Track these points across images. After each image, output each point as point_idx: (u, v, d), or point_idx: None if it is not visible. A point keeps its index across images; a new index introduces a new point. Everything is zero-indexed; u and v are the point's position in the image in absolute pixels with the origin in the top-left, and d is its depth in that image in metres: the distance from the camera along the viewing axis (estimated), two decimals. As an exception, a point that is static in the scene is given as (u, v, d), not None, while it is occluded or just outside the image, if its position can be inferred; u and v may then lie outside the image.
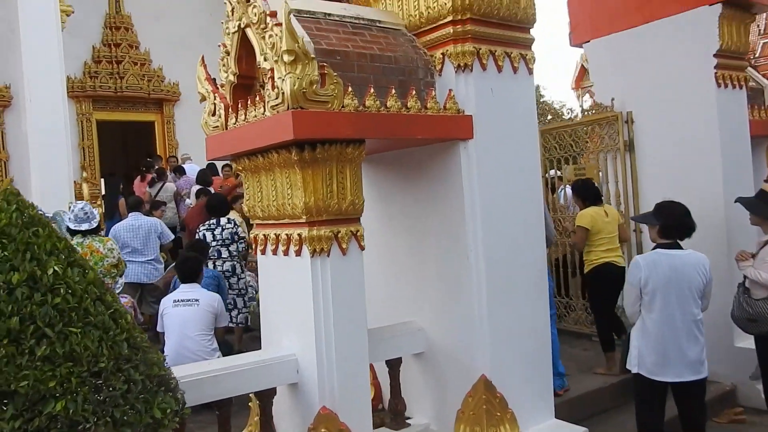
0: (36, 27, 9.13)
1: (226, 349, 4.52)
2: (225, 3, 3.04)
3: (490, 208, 3.23)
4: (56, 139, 8.96)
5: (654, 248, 3.48)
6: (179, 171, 10.12)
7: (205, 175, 9.40)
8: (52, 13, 9.31)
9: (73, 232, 4.97)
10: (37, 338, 1.68)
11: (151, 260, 6.41)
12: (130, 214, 6.76)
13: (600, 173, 5.98)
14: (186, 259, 4.48)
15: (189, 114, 13.02)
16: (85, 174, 10.38)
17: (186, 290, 4.32)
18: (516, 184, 3.36)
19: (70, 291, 1.76)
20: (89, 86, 12.02)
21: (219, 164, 11.33)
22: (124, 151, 14.11)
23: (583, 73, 16.01)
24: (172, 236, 6.94)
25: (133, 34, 12.75)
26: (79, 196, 9.02)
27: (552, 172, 6.56)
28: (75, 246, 4.02)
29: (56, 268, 1.77)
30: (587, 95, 16.55)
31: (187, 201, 9.28)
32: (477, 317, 3.23)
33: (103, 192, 10.56)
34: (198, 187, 8.72)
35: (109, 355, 1.77)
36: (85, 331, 1.73)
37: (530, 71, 3.42)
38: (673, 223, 3.41)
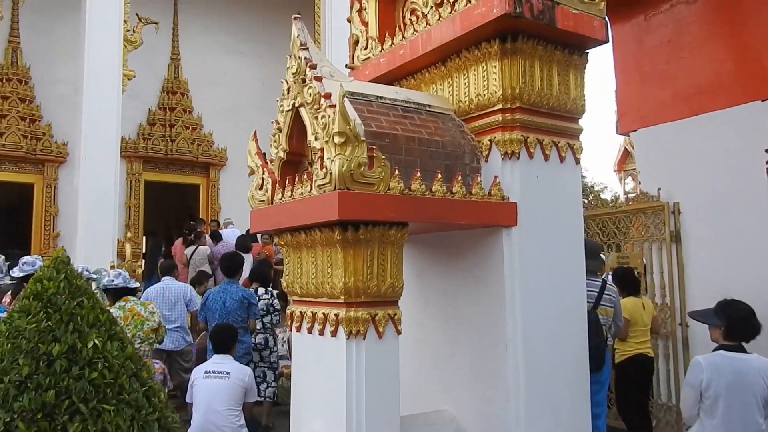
0: (99, 89, 9.63)
1: (253, 426, 4.43)
2: (282, 82, 3.13)
3: (531, 298, 3.16)
4: (105, 197, 9.28)
5: (715, 349, 3.34)
6: (216, 237, 10.26)
7: (245, 241, 9.51)
8: (116, 76, 9.81)
9: (116, 295, 5.03)
10: (71, 414, 1.66)
11: (178, 327, 6.42)
12: (162, 278, 6.82)
13: (644, 263, 5.86)
14: (220, 329, 4.48)
15: (234, 179, 13.40)
16: (129, 233, 10.60)
17: (218, 361, 4.30)
18: (559, 273, 3.29)
19: (107, 365, 1.76)
20: (141, 147, 12.50)
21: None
22: (167, 211, 14.44)
23: (626, 156, 16.02)
24: (199, 305, 6.97)
25: (187, 99, 13.29)
26: (121, 254, 9.21)
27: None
28: (118, 309, 4.05)
29: (96, 341, 1.77)
30: (630, 178, 16.49)
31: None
32: (513, 410, 3.10)
33: (144, 251, 10.76)
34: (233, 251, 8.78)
35: (139, 436, 1.73)
36: (118, 408, 1.72)
37: (577, 161, 3.41)
38: (738, 325, 3.27)
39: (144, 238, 12.19)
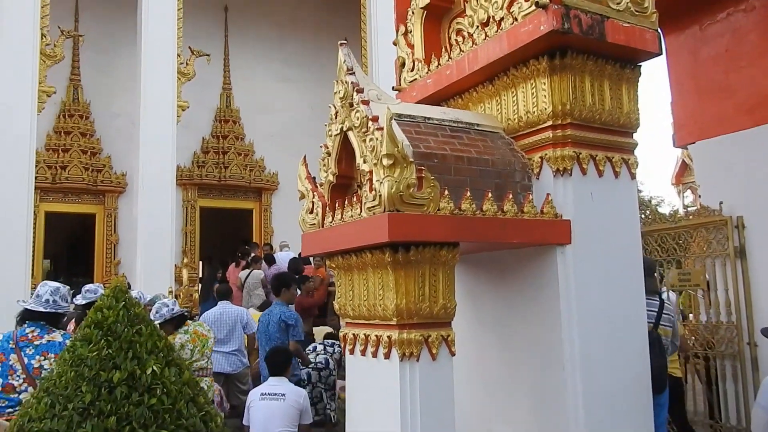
0: (154, 121, 9.99)
1: (310, 448, 4.44)
2: (329, 106, 3.17)
3: (588, 318, 3.08)
4: (163, 225, 9.57)
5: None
6: (269, 260, 10.40)
7: (297, 264, 9.61)
8: (170, 108, 10.15)
9: (178, 322, 5.18)
10: (131, 439, 1.69)
11: (235, 350, 6.50)
12: (218, 303, 6.92)
13: (707, 280, 5.64)
14: (274, 352, 4.52)
15: (285, 202, 13.62)
16: (185, 259, 10.86)
17: (273, 384, 4.34)
18: (617, 292, 3.20)
19: (165, 391, 1.79)
20: (196, 175, 12.84)
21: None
22: (222, 236, 14.74)
23: (684, 169, 15.56)
24: (255, 328, 7.04)
25: (239, 127, 13.63)
26: (178, 280, 9.44)
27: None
28: (184, 334, 4.14)
29: (155, 367, 1.81)
30: (688, 192, 15.99)
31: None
32: (573, 434, 3.01)
33: (201, 275, 10.98)
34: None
35: (197, 460, 1.75)
36: (176, 434, 1.74)
37: (632, 176, 3.33)
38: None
39: (200, 263, 12.47)
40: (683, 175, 15.97)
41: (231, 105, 13.71)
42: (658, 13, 3.26)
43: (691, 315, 6.09)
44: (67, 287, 3.73)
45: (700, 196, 5.83)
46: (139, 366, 1.81)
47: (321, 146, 3.26)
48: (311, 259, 10.34)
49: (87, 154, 12.16)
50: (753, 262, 5.21)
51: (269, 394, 4.29)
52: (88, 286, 5.85)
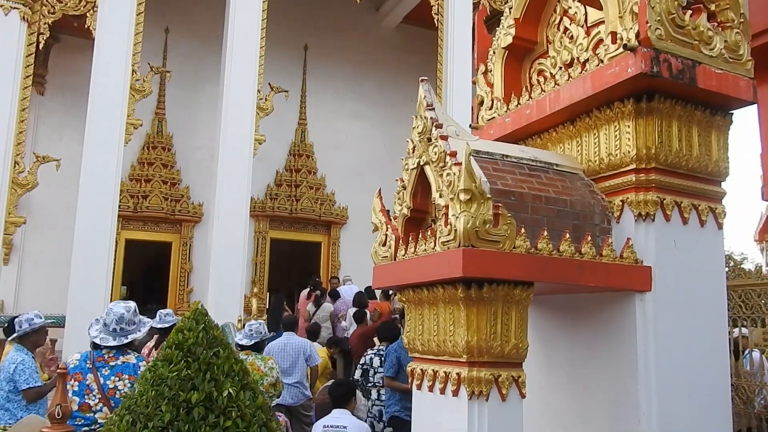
0: (232, 154, 10.33)
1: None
2: (407, 141, 3.20)
3: (667, 370, 2.94)
4: (235, 255, 9.81)
5: None
6: (334, 295, 10.46)
7: (362, 297, 9.63)
8: (248, 141, 10.49)
9: (239, 348, 5.24)
10: (208, 460, 1.71)
11: (297, 383, 6.51)
12: (284, 334, 6.99)
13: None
14: (339, 384, 4.52)
15: (354, 237, 13.75)
16: (255, 289, 11.06)
17: (336, 416, 4.33)
18: (699, 345, 3.05)
19: (240, 414, 1.80)
20: (269, 207, 13.16)
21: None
22: (290, 268, 14.98)
23: (768, 225, 14.82)
24: (320, 360, 7.05)
25: (312, 161, 13.93)
26: (247, 309, 9.61)
27: (737, 331, 5.92)
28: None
29: (231, 390, 1.83)
30: (773, 249, 15.19)
31: (343, 323, 9.50)
32: (649, 493, 2.85)
33: (267, 306, 11.13)
34: (354, 309, 8.92)
35: (268, 485, 1.75)
36: (250, 456, 1.75)
37: (719, 226, 3.19)
38: None
39: (267, 294, 12.68)
40: (767, 231, 15.22)
41: (305, 140, 14.07)
42: (753, 60, 3.16)
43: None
44: (132, 308, 3.77)
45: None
46: (216, 388, 1.84)
47: (397, 180, 3.29)
48: (378, 293, 10.36)
49: (167, 184, 12.67)
50: None
51: (332, 426, 4.28)
52: (166, 311, 6.04)
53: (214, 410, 1.80)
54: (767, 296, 5.45)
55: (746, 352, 5.85)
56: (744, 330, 5.82)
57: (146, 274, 14.31)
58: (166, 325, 5.79)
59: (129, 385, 3.50)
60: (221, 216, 10.21)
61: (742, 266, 6.07)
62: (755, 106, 3.29)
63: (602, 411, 3.09)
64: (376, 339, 6.88)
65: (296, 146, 14.00)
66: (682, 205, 3.08)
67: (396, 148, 14.63)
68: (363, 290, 10.42)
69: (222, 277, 9.91)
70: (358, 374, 6.06)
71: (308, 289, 10.62)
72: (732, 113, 3.27)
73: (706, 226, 3.14)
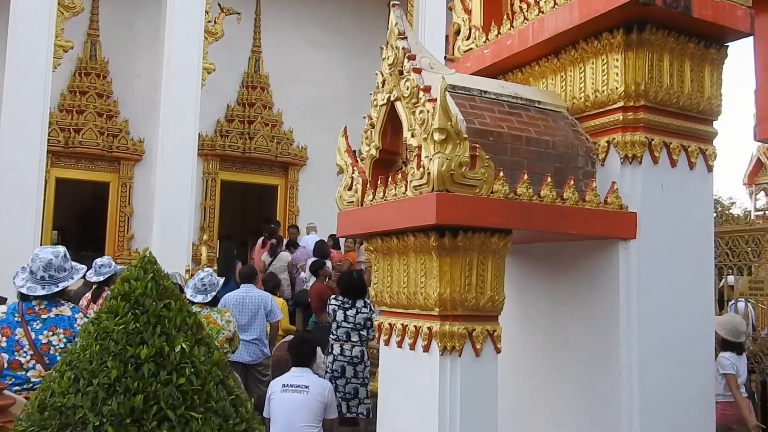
0: (177, 83, 10.07)
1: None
2: (376, 74, 3.17)
3: (650, 322, 3.06)
4: (182, 198, 9.68)
5: None
6: (292, 245, 10.45)
7: (324, 247, 9.66)
8: (195, 70, 10.22)
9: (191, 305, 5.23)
10: (159, 421, 1.74)
11: (255, 339, 6.55)
12: (241, 286, 6.98)
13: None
14: (301, 341, 4.58)
15: (313, 180, 13.67)
16: (205, 236, 10.99)
17: (297, 374, 4.39)
18: (684, 296, 3.17)
19: (194, 371, 1.83)
20: (219, 145, 12.94)
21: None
22: (243, 213, 14.88)
23: (758, 168, 15.20)
24: (281, 315, 7.09)
25: (268, 95, 13.68)
26: (196, 259, 9.57)
27: (723, 281, 6.15)
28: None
29: (184, 345, 1.85)
30: (762, 193, 15.65)
31: (302, 274, 9.55)
32: (626, 448, 3.00)
33: (217, 256, 11.08)
34: (313, 258, 8.95)
35: (227, 447, 1.80)
36: (206, 417, 1.79)
37: (709, 168, 3.28)
38: None
39: (217, 241, 12.63)
40: (757, 174, 15.60)
41: (260, 71, 13.75)
42: (751, -13, 3.18)
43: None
44: (62, 252, 3.65)
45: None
46: (167, 343, 1.85)
47: (364, 117, 3.27)
48: (342, 241, 10.40)
49: (103, 117, 12.31)
50: (837, 273, 5.11)
51: (292, 385, 4.36)
52: (102, 260, 5.97)
53: (166, 366, 1.81)
54: (755, 243, 5.66)
55: (731, 302, 6.11)
56: (730, 278, 6.06)
57: (81, 217, 14.03)
58: (102, 278, 5.74)
59: (65, 340, 3.47)
60: (166, 154, 10.03)
61: (730, 211, 6.26)
62: (750, 37, 3.33)
63: (580, 365, 3.21)
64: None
65: (249, 77, 13.69)
66: (671, 146, 3.15)
67: (361, 82, 14.41)
68: (325, 239, 10.46)
69: (167, 222, 9.81)
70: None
71: (263, 237, 10.59)
72: (727, 46, 3.32)
73: (696, 169, 3.22)
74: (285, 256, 9.94)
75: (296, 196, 13.80)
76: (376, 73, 3.21)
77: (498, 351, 2.86)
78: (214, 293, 5.28)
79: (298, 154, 13.63)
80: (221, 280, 5.45)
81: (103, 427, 1.71)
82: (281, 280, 9.21)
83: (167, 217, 9.78)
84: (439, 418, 2.74)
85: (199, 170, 12.33)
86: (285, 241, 10.78)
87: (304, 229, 12.05)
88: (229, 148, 13.03)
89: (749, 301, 6.15)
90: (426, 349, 2.83)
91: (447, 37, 4.06)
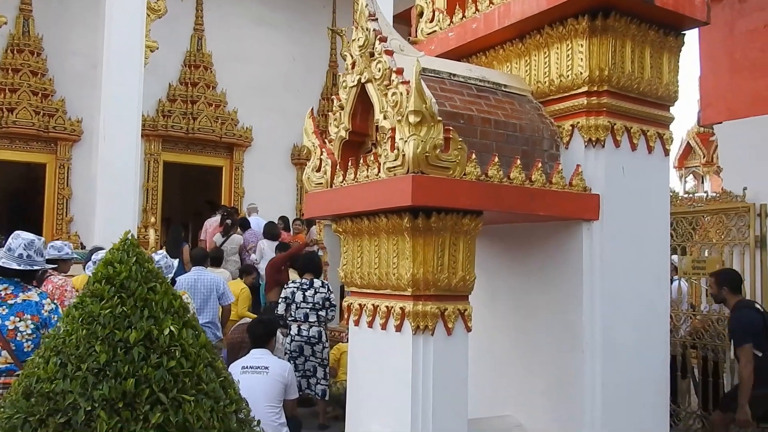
0: (119, 62, 9.75)
1: (295, 427, 4.51)
2: (342, 55, 3.17)
3: (612, 300, 3.18)
4: (125, 180, 9.41)
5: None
6: (243, 225, 10.36)
7: (273, 229, 9.60)
8: (137, 48, 9.92)
9: None
10: (152, 404, 1.73)
11: (208, 323, 6.50)
12: (193, 268, 6.90)
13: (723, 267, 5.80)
14: (259, 322, 4.56)
15: (259, 161, 13.52)
16: (152, 218, 10.75)
17: (256, 356, 4.38)
18: (643, 274, 3.30)
19: (184, 354, 1.82)
20: (161, 125, 12.65)
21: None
22: (186, 195, 14.60)
23: (688, 151, 15.82)
24: (233, 298, 7.04)
25: (211, 74, 13.41)
26: (143, 243, 9.34)
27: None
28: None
29: (172, 328, 1.83)
30: (691, 176, 16.30)
31: (252, 257, 9.48)
32: (588, 422, 3.13)
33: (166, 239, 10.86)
34: (266, 241, 8.91)
35: (219, 428, 1.80)
36: (197, 399, 1.78)
37: (666, 152, 3.42)
38: None
39: (161, 224, 12.38)
40: (687, 158, 16.21)
41: (203, 49, 13.46)
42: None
43: (704, 305, 6.26)
44: (43, 239, 3.65)
45: (721, 179, 5.97)
46: (155, 326, 1.83)
47: (334, 98, 3.26)
48: (291, 223, 10.35)
49: (38, 95, 11.86)
50: (773, 253, 5.38)
51: (251, 367, 4.34)
52: (53, 243, 5.80)
53: (156, 350, 1.80)
54: (698, 224, 5.90)
55: (674, 280, 6.37)
56: (674, 257, 6.31)
57: (15, 199, 13.51)
58: (51, 258, 5.57)
59: (32, 326, 3.39)
60: (107, 135, 9.72)
61: (676, 193, 6.52)
62: (706, 26, 3.46)
63: (546, 343, 3.31)
64: (294, 272, 6.93)
65: (192, 56, 13.38)
66: (632, 131, 3.26)
67: (308, 62, 14.31)
68: (274, 221, 10.39)
69: (109, 205, 9.54)
70: (281, 308, 6.14)
71: (219, 217, 10.41)
72: (684, 34, 3.44)
73: (654, 153, 3.35)
74: (237, 238, 9.84)
75: (241, 177, 13.62)
76: (342, 55, 3.21)
77: (469, 330, 2.93)
78: (171, 275, 5.20)
79: (243, 135, 13.43)
80: (176, 262, 5.37)
81: (94, 412, 1.69)
82: (230, 261, 9.13)
83: (110, 200, 9.50)
84: (411, 396, 2.78)
85: (141, 151, 12.01)
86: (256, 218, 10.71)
87: (245, 211, 11.97)
88: (171, 129, 12.75)
89: (690, 280, 6.42)
90: (398, 328, 2.87)
91: (409, 20, 4.06)
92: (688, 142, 15.82)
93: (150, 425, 1.69)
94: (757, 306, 4.95)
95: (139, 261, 1.96)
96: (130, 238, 2.04)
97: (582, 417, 3.13)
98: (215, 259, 7.71)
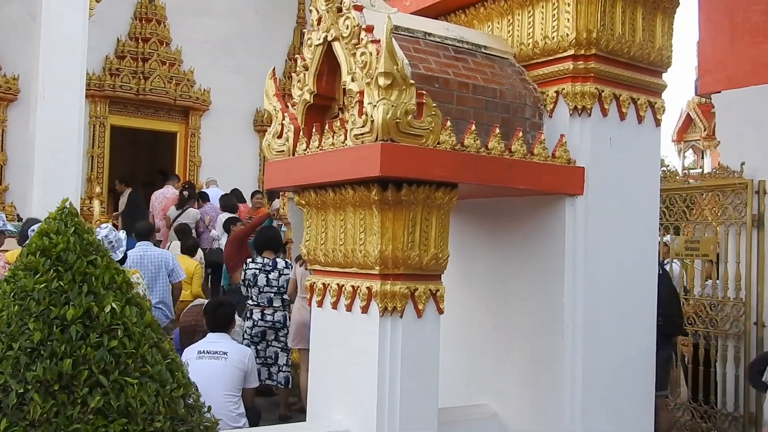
0: (60, 13, 9.56)
1: (254, 417, 4.55)
2: (311, 10, 3.15)
3: (595, 281, 3.24)
4: (67, 145, 9.28)
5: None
6: (201, 198, 10.30)
7: (230, 200, 9.56)
8: (81, -1, 9.72)
9: None
10: (91, 387, 1.74)
11: (159, 302, 6.49)
12: (137, 244, 6.86)
13: (718, 249, 5.91)
14: (219, 305, 4.57)
15: (218, 127, 13.40)
16: (98, 188, 10.64)
17: (214, 340, 4.40)
18: (629, 253, 3.37)
19: (127, 333, 1.83)
20: (108, 85, 12.47)
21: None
22: (134, 164, 14.45)
23: (688, 123, 15.97)
24: (184, 275, 7.03)
25: (164, 29, 13.24)
26: (87, 216, 9.25)
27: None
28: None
29: (114, 305, 1.84)
30: (690, 150, 16.48)
31: (213, 232, 9.45)
32: (568, 409, 3.21)
33: (122, 208, 10.69)
34: (226, 215, 8.87)
35: (165, 414, 1.82)
36: (141, 382, 1.80)
37: (657, 122, 3.47)
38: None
39: (107, 194, 12.27)
40: (686, 131, 16.33)
41: (155, 0, 13.28)
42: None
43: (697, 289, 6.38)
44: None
45: (719, 154, 6.06)
46: (95, 302, 1.84)
47: (297, 57, 3.26)
48: (251, 197, 10.30)
49: (-32, 49, 11.67)
50: (772, 233, 5.49)
51: (208, 352, 4.35)
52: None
53: (96, 328, 1.81)
54: (692, 202, 6.00)
55: (665, 262, 6.48)
56: (666, 238, 6.42)
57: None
58: None
59: None
60: (47, 94, 9.55)
61: (669, 168, 6.61)
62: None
63: (524, 326, 3.37)
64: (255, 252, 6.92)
65: (143, 8, 13.17)
66: (621, 99, 3.30)
67: (273, 17, 14.15)
68: (231, 192, 10.35)
69: (49, 173, 9.40)
70: (243, 291, 6.16)
71: (169, 188, 10.34)
72: (680, -6, 3.49)
73: (644, 123, 3.40)
74: (193, 213, 9.78)
75: (198, 144, 13.51)
76: (311, 9, 3.19)
77: (441, 312, 2.97)
78: (123, 249, 5.17)
79: (200, 97, 13.30)
80: (124, 235, 5.33)
81: (27, 395, 1.70)
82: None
83: (49, 168, 9.37)
84: (378, 384, 2.82)
85: (85, 114, 11.85)
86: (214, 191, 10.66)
87: (204, 184, 11.90)
88: (120, 89, 12.58)
89: (684, 262, 6.54)
90: (364, 310, 2.90)
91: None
92: (688, 114, 15.91)
93: (89, 409, 1.71)
94: None
95: (77, 232, 1.95)
96: (68, 206, 2.03)
97: (562, 404, 3.20)
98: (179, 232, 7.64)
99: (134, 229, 7.23)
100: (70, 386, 1.74)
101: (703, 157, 15.90)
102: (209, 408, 2.15)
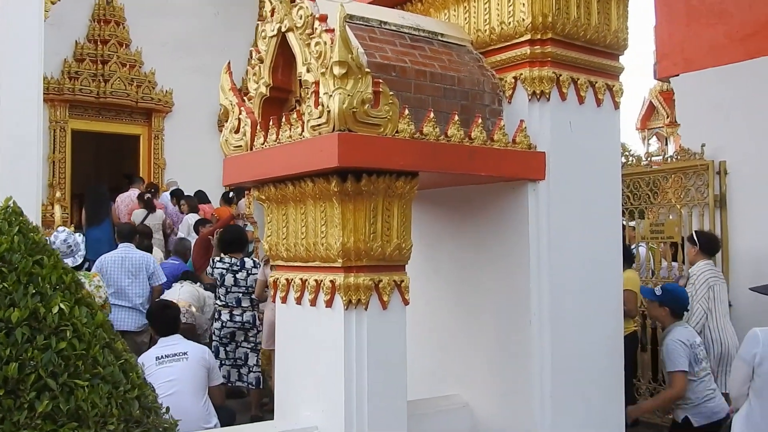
0: (15, 15, 9.35)
1: (228, 418, 4.49)
2: (265, 1, 3.10)
3: (560, 266, 3.24)
4: (26, 151, 9.06)
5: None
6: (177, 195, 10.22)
7: (192, 201, 9.49)
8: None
9: None
10: (38, 390, 1.69)
11: (138, 305, 6.41)
12: (119, 245, 6.78)
13: (682, 230, 5.97)
14: (164, 307, 4.51)
15: (181, 128, 13.24)
16: (58, 194, 10.45)
17: (170, 343, 4.32)
18: (593, 237, 3.37)
19: (76, 335, 1.77)
20: (67, 89, 12.23)
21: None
22: (98, 168, 14.24)
23: (651, 111, 16.17)
24: (164, 279, 6.96)
25: (124, 30, 13.03)
26: (48, 222, 9.09)
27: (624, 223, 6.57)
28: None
29: (62, 305, 1.79)
30: (654, 138, 16.69)
31: (180, 234, 9.37)
32: (538, 397, 3.20)
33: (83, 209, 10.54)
34: (193, 216, 8.80)
35: (119, 416, 1.77)
36: (92, 384, 1.75)
37: (616, 105, 3.47)
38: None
39: (70, 201, 12.07)
40: (650, 118, 16.51)
41: (113, 1, 13.07)
42: None
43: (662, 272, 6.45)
44: None
45: (680, 138, 6.13)
46: (42, 303, 1.78)
47: (252, 49, 3.20)
48: (222, 197, 10.22)
49: None
50: (733, 213, 5.56)
51: (168, 356, 4.26)
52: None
53: (43, 330, 1.75)
54: (656, 185, 6.05)
55: (633, 246, 6.53)
56: (631, 222, 6.48)
57: None
58: None
59: None
60: (2, 99, 9.35)
61: (631, 152, 6.67)
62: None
63: (491, 314, 3.36)
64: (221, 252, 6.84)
65: (101, 9, 12.94)
66: (579, 82, 3.30)
67: (233, 16, 14.03)
68: (197, 194, 10.26)
69: (8, 179, 9.14)
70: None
71: (134, 192, 10.22)
72: (634, -24, 3.49)
73: (603, 106, 3.41)
74: (159, 215, 9.70)
75: (162, 146, 13.32)
76: (265, 0, 3.14)
77: (406, 303, 2.94)
78: (81, 253, 5.08)
79: (162, 98, 13.11)
80: (81, 239, 5.23)
81: (-30, 401, 1.64)
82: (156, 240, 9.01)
83: (8, 174, 9.12)
84: (345, 378, 2.79)
85: (45, 118, 11.64)
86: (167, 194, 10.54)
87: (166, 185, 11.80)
88: (80, 93, 12.33)
89: (650, 246, 6.60)
90: (329, 304, 2.87)
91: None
92: (651, 102, 16.09)
93: (36, 414, 1.66)
94: None
95: (22, 231, 1.90)
96: (11, 205, 1.97)
97: (531, 392, 3.19)
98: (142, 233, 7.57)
99: (116, 231, 7.16)
100: (16, 391, 1.68)
101: (666, 144, 16.08)
102: (167, 409, 2.10)
